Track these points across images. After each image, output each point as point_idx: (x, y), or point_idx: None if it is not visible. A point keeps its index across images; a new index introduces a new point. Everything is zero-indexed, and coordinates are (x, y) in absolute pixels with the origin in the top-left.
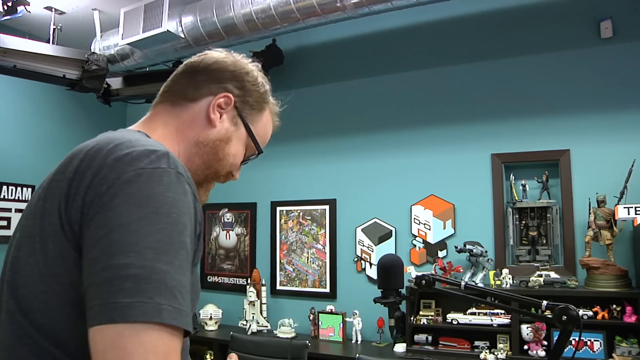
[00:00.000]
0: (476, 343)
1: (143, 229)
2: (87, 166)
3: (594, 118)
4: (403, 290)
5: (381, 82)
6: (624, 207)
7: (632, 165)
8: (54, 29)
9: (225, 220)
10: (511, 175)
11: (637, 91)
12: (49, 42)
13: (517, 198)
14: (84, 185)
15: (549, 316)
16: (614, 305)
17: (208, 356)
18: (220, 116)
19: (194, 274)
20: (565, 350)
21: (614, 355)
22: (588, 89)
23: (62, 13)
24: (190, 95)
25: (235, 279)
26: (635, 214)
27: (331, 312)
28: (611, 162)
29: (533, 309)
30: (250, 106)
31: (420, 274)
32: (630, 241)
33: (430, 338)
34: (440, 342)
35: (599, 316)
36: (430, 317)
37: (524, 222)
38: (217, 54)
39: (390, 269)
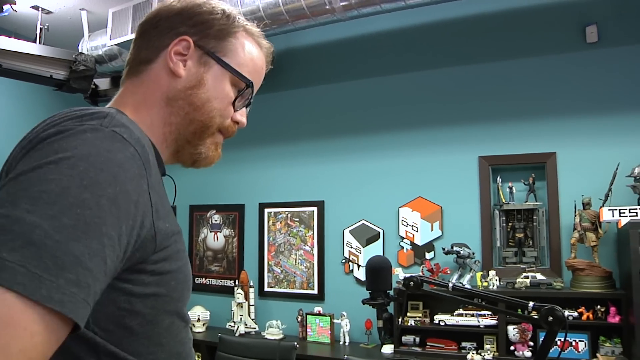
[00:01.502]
0: (463, 344)
1: (31, 179)
2: (28, 134)
3: (580, 122)
4: (391, 292)
5: (370, 85)
6: (609, 210)
7: (617, 169)
8: (41, 28)
9: (213, 222)
10: (498, 177)
11: (622, 95)
12: (35, 42)
13: (504, 200)
14: (16, 151)
15: (535, 317)
16: (599, 306)
17: (196, 358)
18: (184, 64)
19: (178, 259)
20: (551, 350)
21: (598, 355)
22: (574, 93)
23: (49, 12)
24: (146, 56)
25: (223, 280)
26: (620, 216)
27: (319, 314)
28: (596, 165)
29: (520, 310)
30: (214, 37)
31: (408, 275)
32: (615, 243)
33: (417, 339)
34: (428, 343)
35: (584, 317)
36: (417, 319)
37: (510, 224)
38: (163, 5)
39: (378, 270)
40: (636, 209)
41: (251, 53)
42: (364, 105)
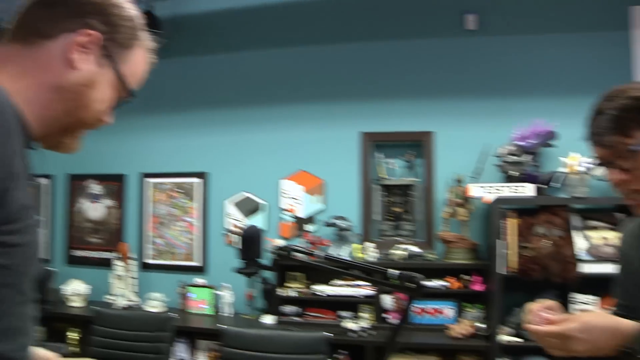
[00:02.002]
0: (341, 313)
1: None
2: None
3: (456, 104)
4: (266, 262)
5: (255, 58)
6: (476, 186)
7: (485, 148)
8: None
9: (93, 191)
10: (379, 153)
11: (494, 81)
12: None
13: (383, 175)
14: None
15: (398, 284)
16: (465, 276)
17: (71, 333)
18: (83, 57)
19: (29, 233)
20: (410, 314)
21: (461, 319)
22: (452, 76)
23: None
24: (44, 31)
25: (103, 253)
26: (486, 192)
27: (201, 286)
28: (469, 144)
29: (385, 279)
30: (119, 44)
31: (280, 245)
32: (483, 218)
33: (297, 309)
34: (307, 313)
35: (453, 286)
36: (298, 289)
37: (389, 198)
38: None
39: (249, 240)
40: (500, 185)
41: (140, 66)
42: (249, 77)
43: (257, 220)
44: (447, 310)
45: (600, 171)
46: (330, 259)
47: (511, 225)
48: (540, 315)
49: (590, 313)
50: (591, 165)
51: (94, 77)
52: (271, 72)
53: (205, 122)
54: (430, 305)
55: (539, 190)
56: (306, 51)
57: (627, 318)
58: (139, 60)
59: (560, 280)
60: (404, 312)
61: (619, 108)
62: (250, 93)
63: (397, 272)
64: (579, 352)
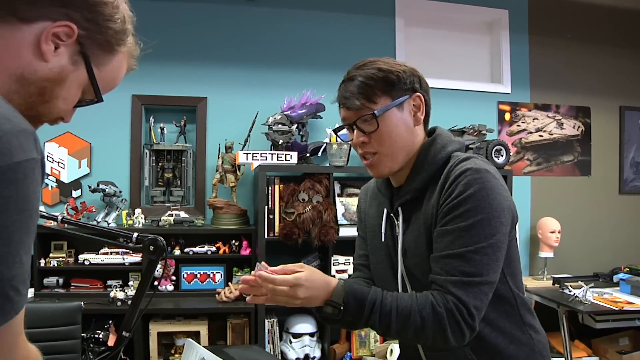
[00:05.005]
0: (109, 282)
1: None
2: None
3: (230, 71)
4: None
5: None
6: (244, 153)
7: (256, 117)
8: None
9: None
10: (151, 117)
11: (269, 52)
12: None
13: (155, 140)
14: None
15: (140, 247)
16: (234, 241)
17: None
18: (56, 49)
19: None
20: (152, 276)
21: (230, 283)
22: (228, 44)
23: None
24: (22, 12)
25: None
26: (253, 159)
27: None
28: (241, 112)
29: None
30: (99, 46)
31: None
32: (251, 184)
33: (61, 280)
34: (72, 284)
35: (221, 251)
36: (61, 259)
37: (160, 164)
38: None
39: None
40: (266, 153)
41: (117, 71)
42: None
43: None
44: (217, 274)
45: (345, 132)
46: (71, 224)
47: (277, 191)
48: (267, 269)
49: (310, 267)
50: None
51: (63, 74)
52: None
53: None
54: (200, 271)
55: (304, 158)
56: None
57: (367, 266)
58: (117, 67)
59: (320, 243)
60: (146, 275)
61: (366, 76)
62: None
63: (136, 235)
64: (298, 301)
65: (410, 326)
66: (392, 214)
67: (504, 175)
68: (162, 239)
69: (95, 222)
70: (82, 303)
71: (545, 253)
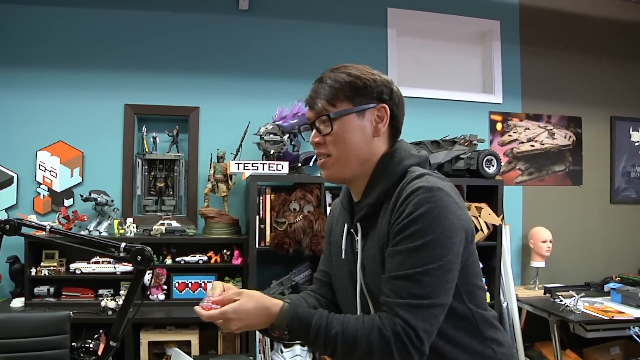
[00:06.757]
0: (100, 291)
1: None
2: None
3: (223, 81)
4: None
5: (11, 12)
6: (236, 163)
7: (247, 126)
8: None
9: None
10: (143, 127)
11: (262, 62)
12: None
13: (147, 150)
14: None
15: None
16: (225, 250)
17: None
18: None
19: None
20: (140, 286)
21: None
22: (221, 53)
23: None
24: None
25: None
26: (244, 169)
27: None
28: (233, 122)
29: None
30: None
31: (4, 218)
32: (243, 194)
33: (52, 289)
34: (63, 293)
35: (212, 260)
36: (52, 268)
37: (152, 173)
38: None
39: None
40: (257, 163)
41: None
42: (1, 35)
43: (8, 195)
44: (208, 284)
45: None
46: (59, 233)
47: (268, 201)
48: (209, 298)
49: (247, 295)
50: None
51: None
52: (28, 31)
53: None
54: (191, 280)
55: (295, 168)
56: (72, 13)
57: (325, 283)
58: None
59: (312, 253)
60: (133, 284)
61: (334, 79)
62: (3, 53)
63: (124, 245)
64: (236, 330)
65: (356, 351)
66: (352, 230)
67: (494, 185)
68: (149, 249)
69: (87, 231)
70: (71, 312)
71: (537, 262)
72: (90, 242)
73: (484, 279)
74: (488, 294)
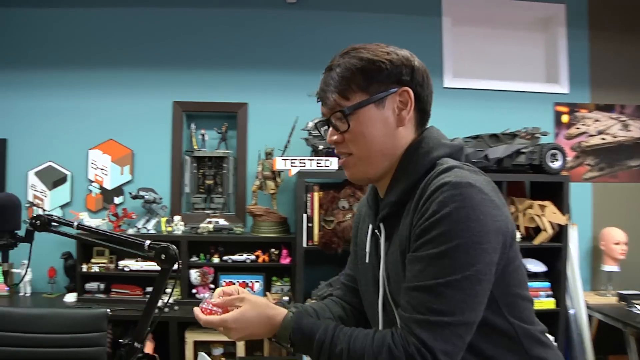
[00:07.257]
0: (148, 289)
1: None
2: None
3: (270, 76)
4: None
5: (63, 16)
6: (282, 159)
7: (295, 122)
8: None
9: None
10: (192, 124)
11: (311, 56)
12: None
13: (196, 147)
14: None
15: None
16: (273, 249)
17: None
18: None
19: None
20: (164, 285)
21: (267, 293)
22: (269, 48)
23: None
24: None
25: None
26: (291, 165)
27: None
28: (282, 117)
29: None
30: None
31: (36, 214)
32: (292, 191)
33: (102, 286)
34: (113, 290)
35: (260, 259)
36: (102, 265)
37: (201, 170)
38: None
39: (2, 208)
40: (304, 159)
41: None
42: (55, 38)
43: (63, 192)
44: (255, 284)
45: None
46: (86, 230)
47: (316, 199)
48: (209, 302)
49: (250, 302)
50: None
51: None
52: (79, 33)
53: (4, 84)
54: (238, 279)
55: None
56: (121, 13)
57: (351, 289)
58: None
59: None
60: (159, 283)
61: (344, 67)
62: (57, 55)
63: (148, 243)
64: (237, 339)
65: None
66: (376, 231)
67: (559, 182)
68: (174, 247)
69: (135, 229)
70: (109, 310)
71: (610, 266)
72: (115, 240)
73: (548, 284)
74: (553, 300)
